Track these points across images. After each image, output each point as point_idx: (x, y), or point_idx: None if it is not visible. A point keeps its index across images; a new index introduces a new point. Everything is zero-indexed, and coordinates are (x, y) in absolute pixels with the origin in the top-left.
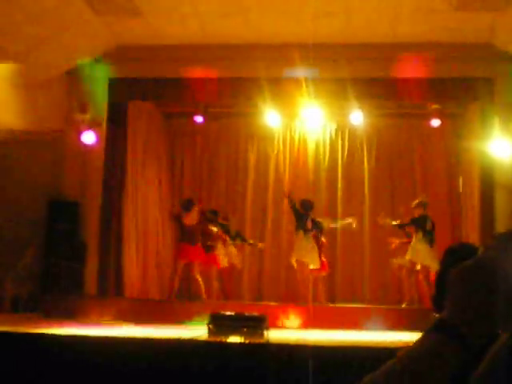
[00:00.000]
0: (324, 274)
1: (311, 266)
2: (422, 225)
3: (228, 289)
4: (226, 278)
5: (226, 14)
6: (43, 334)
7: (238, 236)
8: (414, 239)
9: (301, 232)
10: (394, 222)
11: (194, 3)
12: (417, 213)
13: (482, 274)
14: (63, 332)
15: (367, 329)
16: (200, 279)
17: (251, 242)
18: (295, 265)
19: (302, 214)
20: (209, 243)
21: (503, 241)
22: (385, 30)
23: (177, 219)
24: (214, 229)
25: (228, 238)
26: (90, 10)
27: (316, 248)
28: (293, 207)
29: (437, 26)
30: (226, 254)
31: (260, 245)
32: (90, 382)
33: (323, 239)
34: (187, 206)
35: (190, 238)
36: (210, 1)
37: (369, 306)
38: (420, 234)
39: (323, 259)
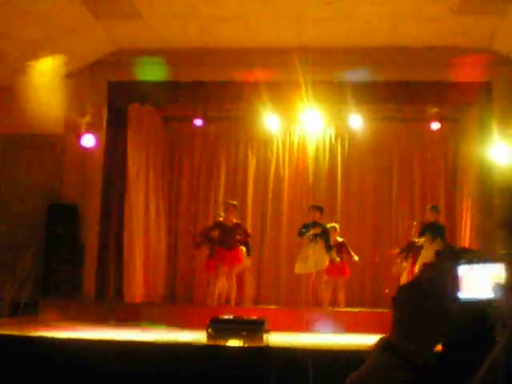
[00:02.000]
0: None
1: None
2: (440, 232)
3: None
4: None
5: (225, 18)
6: (42, 338)
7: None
8: (427, 246)
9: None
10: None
11: (194, 7)
12: (430, 218)
13: (419, 296)
14: (62, 335)
15: (368, 332)
16: (234, 284)
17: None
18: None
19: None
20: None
21: (441, 260)
22: (385, 34)
23: (218, 224)
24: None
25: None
26: (90, 13)
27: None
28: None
29: (437, 30)
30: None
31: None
32: None
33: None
34: (225, 206)
35: (229, 242)
36: (210, 5)
37: (369, 309)
38: (438, 241)
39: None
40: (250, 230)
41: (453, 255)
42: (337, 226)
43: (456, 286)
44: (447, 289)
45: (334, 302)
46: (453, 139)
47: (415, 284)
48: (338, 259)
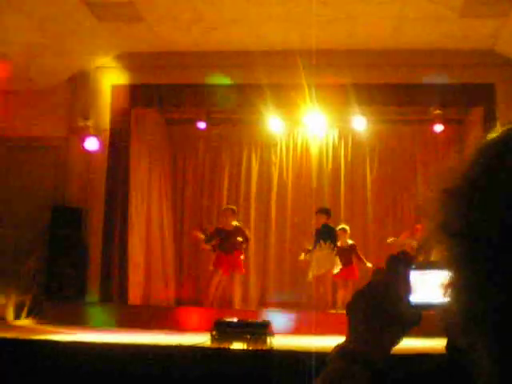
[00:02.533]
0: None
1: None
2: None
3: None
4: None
5: (229, 21)
6: (46, 341)
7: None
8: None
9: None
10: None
11: (197, 10)
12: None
13: (371, 299)
14: (66, 338)
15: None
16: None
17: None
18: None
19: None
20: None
21: (393, 263)
22: (388, 36)
23: (217, 230)
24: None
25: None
26: (93, 16)
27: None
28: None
29: (440, 33)
30: None
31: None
32: None
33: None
34: (223, 210)
35: (228, 246)
36: (213, 8)
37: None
38: None
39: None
40: (251, 233)
41: (404, 260)
42: (347, 227)
43: (407, 289)
44: (398, 292)
45: (342, 305)
46: (456, 141)
47: (368, 288)
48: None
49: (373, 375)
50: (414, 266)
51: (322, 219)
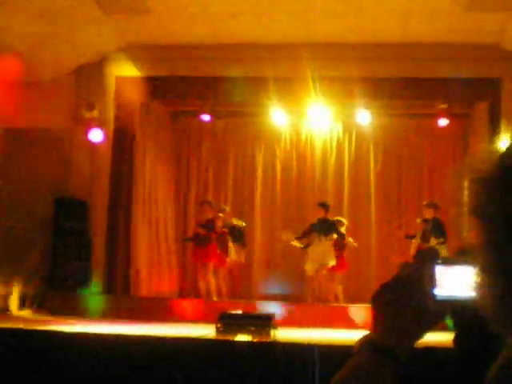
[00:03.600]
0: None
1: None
2: (438, 229)
3: (237, 287)
4: (235, 276)
5: (235, 14)
6: (50, 332)
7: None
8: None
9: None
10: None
11: (204, 3)
12: (427, 214)
13: (397, 292)
14: (70, 329)
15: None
16: (213, 280)
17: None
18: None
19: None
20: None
21: (420, 257)
22: (394, 30)
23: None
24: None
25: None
26: (100, 8)
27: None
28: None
29: (446, 27)
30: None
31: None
32: (96, 379)
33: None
34: (200, 203)
35: (203, 240)
36: (219, 1)
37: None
38: (437, 239)
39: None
40: (258, 224)
41: (430, 255)
42: (343, 220)
43: (432, 284)
44: (424, 286)
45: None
46: (461, 135)
47: (394, 282)
48: (355, 244)
49: (397, 367)
50: (439, 261)
51: (321, 213)
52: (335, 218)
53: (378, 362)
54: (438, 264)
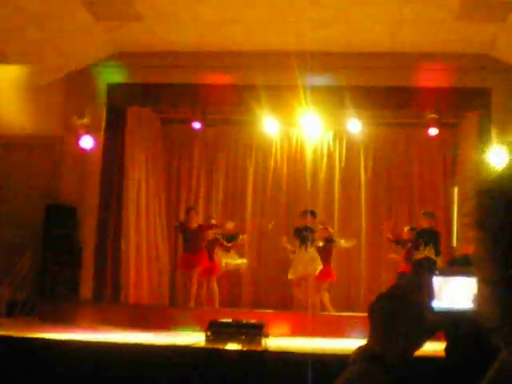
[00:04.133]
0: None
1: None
2: (433, 239)
3: (226, 296)
4: (224, 284)
5: (225, 22)
6: (38, 339)
7: (232, 238)
8: (424, 252)
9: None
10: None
11: (194, 10)
12: (424, 224)
13: (395, 303)
14: (58, 337)
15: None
16: (196, 287)
17: (242, 236)
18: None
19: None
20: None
21: (417, 269)
22: (384, 39)
23: (181, 227)
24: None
25: (225, 242)
26: (91, 15)
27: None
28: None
29: (437, 36)
30: (226, 259)
31: (243, 237)
32: None
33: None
34: (186, 210)
35: (192, 246)
36: (210, 8)
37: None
38: (432, 249)
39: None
40: (245, 233)
41: (428, 266)
42: (329, 228)
43: (430, 295)
44: (421, 297)
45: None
46: (451, 145)
47: (391, 292)
48: (351, 242)
49: (392, 377)
50: (437, 272)
51: (309, 220)
52: (320, 226)
53: (374, 371)
54: (435, 275)
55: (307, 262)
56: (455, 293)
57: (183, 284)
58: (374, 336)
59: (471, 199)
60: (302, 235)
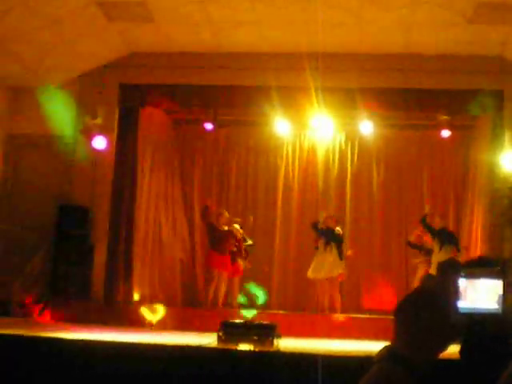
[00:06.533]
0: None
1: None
2: (449, 239)
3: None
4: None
5: (238, 23)
6: (50, 338)
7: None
8: (439, 253)
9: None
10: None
11: (207, 12)
12: (437, 224)
13: (422, 304)
14: (70, 336)
15: (378, 339)
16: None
17: (250, 242)
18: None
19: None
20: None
21: (443, 269)
22: (397, 41)
23: (210, 225)
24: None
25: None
26: (104, 16)
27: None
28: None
29: (449, 38)
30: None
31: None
32: None
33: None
34: (217, 213)
35: (221, 246)
36: (223, 10)
37: (380, 316)
38: (448, 248)
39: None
40: (259, 232)
41: (454, 268)
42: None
43: (456, 296)
44: (447, 299)
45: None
46: (463, 147)
47: (417, 294)
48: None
49: (414, 378)
50: (463, 274)
51: (332, 223)
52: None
53: (398, 372)
54: (461, 276)
55: (331, 265)
56: (480, 294)
57: (196, 284)
58: (399, 337)
59: (504, 198)
60: (329, 236)
